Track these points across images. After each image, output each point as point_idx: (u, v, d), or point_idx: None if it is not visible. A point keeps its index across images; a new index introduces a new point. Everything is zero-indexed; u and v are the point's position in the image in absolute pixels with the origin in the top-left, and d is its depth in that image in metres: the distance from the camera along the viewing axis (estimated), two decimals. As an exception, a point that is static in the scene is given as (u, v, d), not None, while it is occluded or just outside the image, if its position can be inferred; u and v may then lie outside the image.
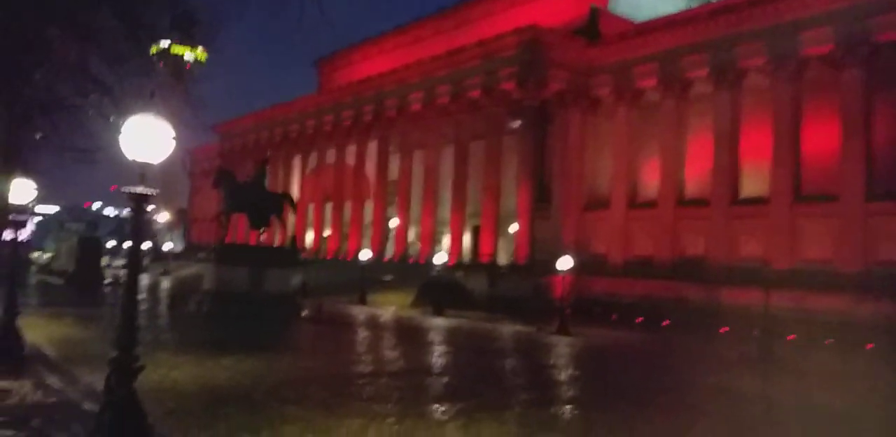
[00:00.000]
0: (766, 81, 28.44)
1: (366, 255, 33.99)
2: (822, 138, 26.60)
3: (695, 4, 38.06)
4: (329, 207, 47.77)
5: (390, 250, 41.94)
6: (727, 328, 23.28)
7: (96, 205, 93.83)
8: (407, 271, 35.36)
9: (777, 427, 9.98)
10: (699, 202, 29.87)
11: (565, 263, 23.58)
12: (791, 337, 20.86)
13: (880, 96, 25.73)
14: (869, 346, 20.00)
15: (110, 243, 55.47)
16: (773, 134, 27.59)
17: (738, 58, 28.77)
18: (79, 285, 30.43)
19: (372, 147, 44.13)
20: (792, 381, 14.97)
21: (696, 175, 30.41)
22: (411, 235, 41.99)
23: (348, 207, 45.40)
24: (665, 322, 25.66)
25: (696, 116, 30.67)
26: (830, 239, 25.37)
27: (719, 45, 29.24)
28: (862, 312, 21.94)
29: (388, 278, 34.99)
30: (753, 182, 28.48)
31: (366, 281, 31.05)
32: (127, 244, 7.31)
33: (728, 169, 28.93)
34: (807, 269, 25.33)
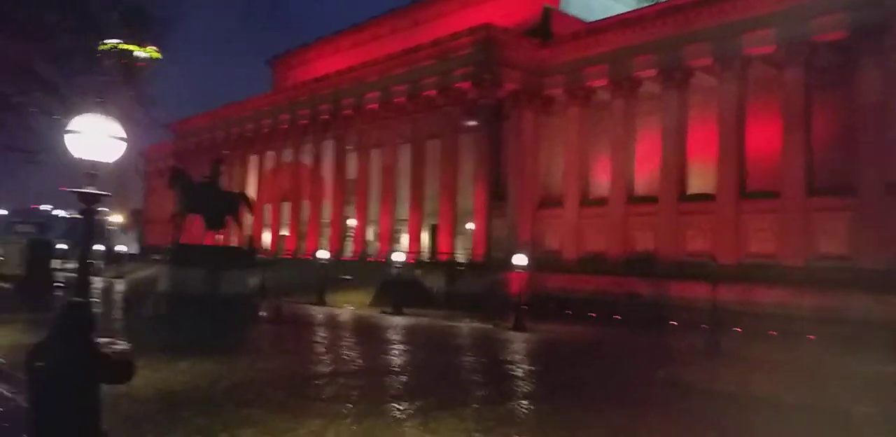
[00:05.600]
0: (712, 81, 29.24)
1: (324, 254, 33.92)
2: (765, 136, 27.49)
3: (645, 4, 38.93)
4: (286, 206, 47.42)
5: (349, 250, 41.88)
6: (676, 322, 24.06)
7: (46, 207, 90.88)
8: (366, 271, 35.37)
9: (724, 419, 10.28)
10: (648, 199, 30.52)
11: (520, 260, 24.00)
12: (737, 330, 21.66)
13: (819, 95, 26.70)
14: (811, 337, 20.91)
15: (62, 246, 53.89)
16: (718, 132, 28.39)
17: (686, 58, 29.46)
18: (29, 289, 29.58)
19: (329, 146, 43.95)
20: (739, 373, 15.46)
21: (646, 173, 31.13)
22: (370, 234, 42.00)
23: (306, 207, 45.14)
24: (617, 317, 26.33)
25: (646, 115, 31.41)
26: (774, 234, 26.26)
27: (667, 45, 29.87)
28: (804, 304, 22.80)
29: (347, 277, 34.95)
30: (700, 179, 29.28)
31: (325, 281, 30.99)
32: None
33: (676, 166, 29.63)
34: (752, 263, 26.19)
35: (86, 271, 6.50)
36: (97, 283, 37.81)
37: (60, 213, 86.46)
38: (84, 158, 5.91)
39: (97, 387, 4.49)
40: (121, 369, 4.58)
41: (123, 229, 71.20)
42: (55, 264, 36.85)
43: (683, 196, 29.49)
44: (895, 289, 21.29)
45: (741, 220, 27.26)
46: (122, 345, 4.57)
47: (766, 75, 28.08)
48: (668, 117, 30.18)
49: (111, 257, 52.95)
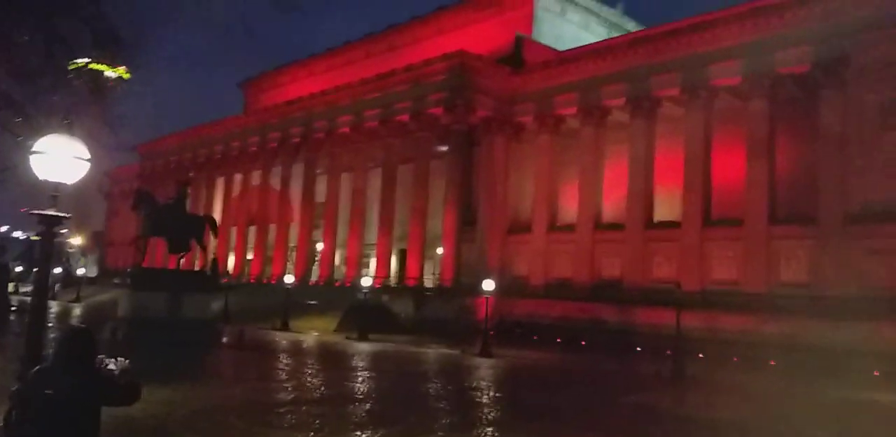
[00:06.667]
0: (679, 111, 29.85)
1: (290, 279, 33.48)
2: (730, 165, 28.02)
3: (615, 35, 39.83)
4: (252, 230, 46.82)
5: (316, 274, 41.39)
6: (642, 348, 24.16)
7: (3, 228, 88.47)
8: (332, 295, 34.97)
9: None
10: (616, 226, 30.82)
11: (488, 285, 23.98)
12: (701, 356, 21.82)
13: (783, 126, 27.41)
14: (772, 363, 21.16)
15: (18, 269, 52.43)
16: (685, 160, 28.90)
17: (654, 87, 30.04)
18: (-18, 313, 28.61)
19: (298, 169, 43.66)
20: (704, 399, 15.60)
21: (614, 200, 31.45)
22: (337, 258, 41.62)
23: (273, 231, 44.61)
24: (583, 343, 26.34)
25: (614, 143, 31.85)
26: (737, 261, 26.66)
27: (636, 75, 30.44)
28: (766, 331, 23.11)
29: (313, 302, 34.49)
30: (667, 207, 29.68)
31: (290, 306, 30.52)
32: (36, 269, 6.95)
33: (643, 194, 30.02)
34: (716, 290, 26.50)
35: (43, 294, 6.28)
36: (53, 307, 36.79)
37: (17, 234, 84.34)
38: (48, 179, 5.78)
39: (100, 412, 4.44)
40: (128, 391, 4.52)
41: (83, 251, 69.62)
42: (10, 287, 35.80)
43: (650, 223, 29.83)
44: (854, 316, 21.68)
45: (706, 247, 27.63)
46: (115, 364, 4.48)
47: (731, 106, 28.74)
48: (635, 146, 30.64)
49: (69, 280, 51.64)
